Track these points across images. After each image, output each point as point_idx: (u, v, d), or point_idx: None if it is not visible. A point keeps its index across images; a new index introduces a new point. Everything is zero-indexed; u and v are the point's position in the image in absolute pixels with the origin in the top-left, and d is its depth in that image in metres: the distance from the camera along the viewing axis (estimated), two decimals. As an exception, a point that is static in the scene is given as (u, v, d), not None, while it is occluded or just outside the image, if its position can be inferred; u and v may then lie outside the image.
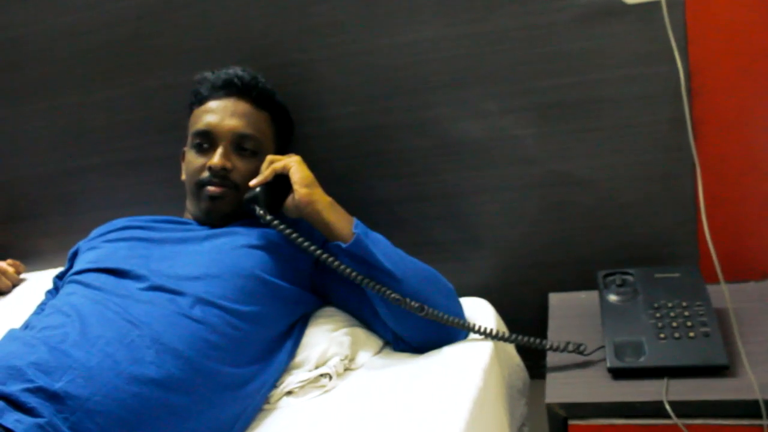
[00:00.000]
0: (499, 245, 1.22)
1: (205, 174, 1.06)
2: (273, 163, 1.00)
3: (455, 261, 1.24)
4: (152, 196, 1.37)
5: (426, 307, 0.92)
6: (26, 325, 0.91)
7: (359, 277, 0.92)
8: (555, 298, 1.16)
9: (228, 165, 1.05)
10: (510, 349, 1.09)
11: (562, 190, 1.16)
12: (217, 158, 1.04)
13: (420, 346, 0.98)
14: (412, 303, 0.92)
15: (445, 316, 0.94)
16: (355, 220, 0.97)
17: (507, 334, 0.97)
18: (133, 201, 1.37)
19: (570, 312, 1.11)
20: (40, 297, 1.13)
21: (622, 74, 1.08)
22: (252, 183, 0.99)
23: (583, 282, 1.16)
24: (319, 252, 0.92)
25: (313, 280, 1.04)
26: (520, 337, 0.96)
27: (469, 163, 1.18)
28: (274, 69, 1.19)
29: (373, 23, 1.15)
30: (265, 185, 0.99)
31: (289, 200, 0.99)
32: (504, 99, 1.14)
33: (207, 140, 1.07)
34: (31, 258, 1.46)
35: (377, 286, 0.92)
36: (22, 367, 0.76)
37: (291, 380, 0.93)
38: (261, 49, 1.22)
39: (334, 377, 0.94)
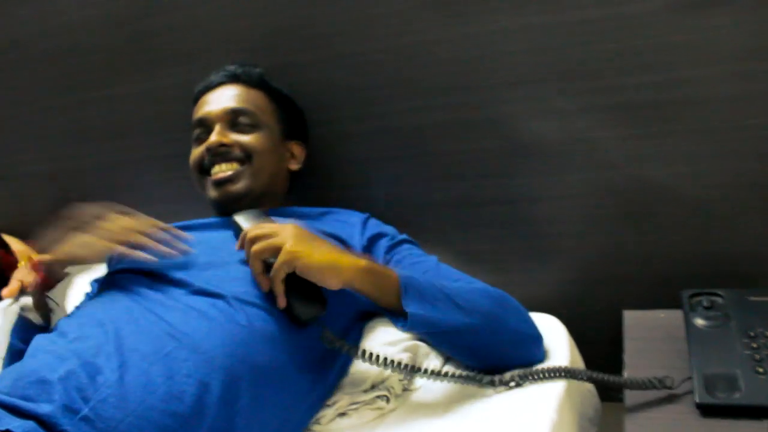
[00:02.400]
0: (569, 256, 1.13)
1: (206, 158, 1.03)
2: (268, 268, 0.81)
3: (519, 272, 1.15)
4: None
5: (500, 378, 0.83)
6: (61, 331, 0.85)
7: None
8: (630, 317, 1.06)
9: (225, 140, 1.02)
10: (581, 372, 1.00)
11: (643, 199, 1.06)
12: (213, 137, 1.01)
13: (489, 369, 0.89)
14: (491, 379, 0.83)
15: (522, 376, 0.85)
16: (401, 283, 0.80)
17: (582, 372, 0.87)
18: (182, 196, 1.32)
19: (648, 334, 1.01)
20: (81, 295, 1.09)
21: (721, 72, 0.97)
22: (280, 305, 0.81)
23: (662, 300, 1.05)
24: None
25: None
26: (596, 375, 0.86)
27: (540, 166, 1.09)
28: (331, 60, 1.13)
29: (439, 12, 1.07)
30: (291, 290, 0.80)
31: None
32: (582, 97, 1.04)
33: (203, 128, 1.06)
34: (78, 251, 1.43)
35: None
36: (54, 382, 0.71)
37: (345, 401, 0.86)
38: (315, 39, 1.16)
39: (392, 399, 0.86)
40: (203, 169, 1.04)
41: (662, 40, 0.99)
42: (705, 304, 0.94)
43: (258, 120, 1.05)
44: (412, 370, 0.80)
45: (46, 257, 0.94)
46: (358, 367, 0.91)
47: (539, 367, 0.88)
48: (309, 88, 1.18)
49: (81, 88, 1.37)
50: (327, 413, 0.86)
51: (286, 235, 0.79)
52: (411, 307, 0.77)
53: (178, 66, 1.27)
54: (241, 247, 0.83)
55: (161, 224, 0.91)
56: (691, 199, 1.04)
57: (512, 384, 0.85)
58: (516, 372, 0.86)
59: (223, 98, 1.06)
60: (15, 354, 0.91)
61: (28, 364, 0.76)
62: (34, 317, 0.91)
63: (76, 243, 0.86)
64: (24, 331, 0.92)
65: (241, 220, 0.88)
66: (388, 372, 0.86)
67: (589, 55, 1.02)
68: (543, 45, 1.03)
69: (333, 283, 0.78)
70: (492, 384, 0.84)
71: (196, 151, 1.06)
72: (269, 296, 0.83)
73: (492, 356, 0.86)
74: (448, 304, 0.81)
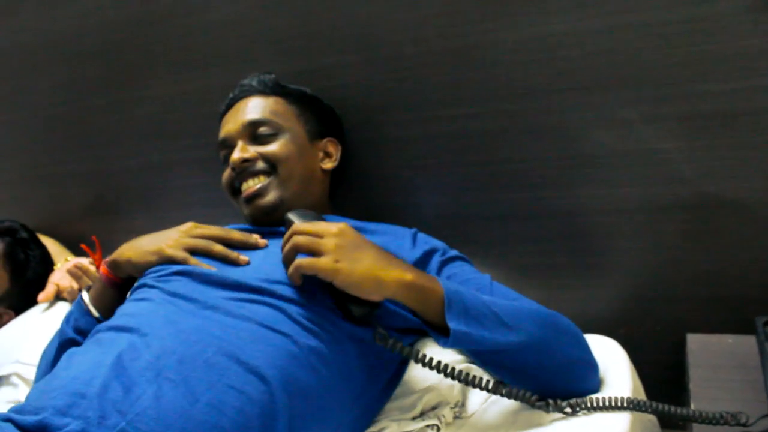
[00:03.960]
0: (629, 274, 1.07)
1: (233, 176, 1.01)
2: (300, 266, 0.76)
3: (575, 289, 1.09)
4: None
5: (555, 402, 0.78)
6: (96, 338, 0.82)
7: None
8: (695, 341, 1.00)
9: (247, 155, 0.99)
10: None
11: (712, 215, 0.99)
12: (234, 154, 0.99)
13: (543, 395, 0.83)
14: (560, 403, 0.78)
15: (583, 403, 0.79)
16: (446, 297, 0.74)
17: (647, 403, 0.80)
18: (218, 200, 1.29)
19: (716, 361, 0.95)
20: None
21: (802, 80, 0.89)
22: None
23: (729, 323, 0.99)
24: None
25: None
26: (662, 407, 0.80)
27: (600, 177, 1.03)
28: (381, 62, 1.08)
29: (497, 13, 1.00)
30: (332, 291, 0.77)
31: None
32: (647, 105, 0.97)
33: (227, 148, 1.04)
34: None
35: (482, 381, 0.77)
36: (89, 394, 0.67)
37: (392, 428, 0.81)
38: (363, 39, 1.10)
39: (443, 428, 0.81)
40: (234, 189, 1.03)
41: (735, 44, 0.91)
42: (782, 332, 0.87)
43: (278, 127, 1.02)
44: (466, 379, 0.75)
45: (104, 260, 0.95)
46: (406, 391, 0.86)
47: (600, 395, 0.81)
48: (355, 91, 1.13)
49: (118, 88, 1.34)
50: (373, 441, 0.81)
51: (329, 242, 0.75)
52: (454, 323, 0.72)
53: (218, 66, 1.23)
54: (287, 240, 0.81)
55: (233, 232, 0.92)
56: (766, 217, 0.96)
57: (567, 410, 0.80)
58: (574, 399, 0.80)
59: (239, 113, 1.04)
60: (63, 343, 0.91)
61: (61, 376, 0.72)
62: (92, 310, 0.92)
63: (139, 250, 0.90)
64: (79, 318, 0.92)
65: (294, 218, 0.85)
66: (441, 380, 0.81)
67: (657, 60, 0.95)
68: (606, 49, 0.97)
69: (373, 297, 0.75)
70: (546, 407, 0.78)
71: (226, 173, 1.04)
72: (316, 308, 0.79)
73: (540, 381, 0.81)
74: (494, 321, 0.76)
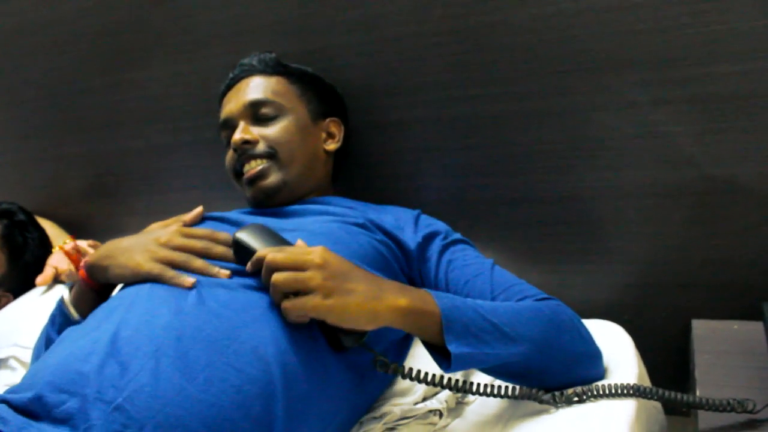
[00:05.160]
0: (634, 259, 1.05)
1: (235, 158, 1.00)
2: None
3: (580, 274, 1.08)
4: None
5: (562, 394, 0.77)
6: (93, 316, 0.79)
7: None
8: (700, 327, 0.99)
9: (248, 137, 0.98)
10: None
11: (721, 200, 0.98)
12: (236, 135, 0.98)
13: (548, 389, 0.82)
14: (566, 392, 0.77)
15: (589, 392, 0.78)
16: (443, 318, 0.71)
17: (653, 390, 0.79)
18: (219, 182, 1.27)
19: (721, 347, 0.94)
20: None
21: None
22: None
23: (735, 310, 0.98)
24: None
25: (406, 273, 0.90)
26: (668, 394, 0.79)
27: (608, 161, 1.01)
28: (386, 43, 1.06)
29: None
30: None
31: None
32: (657, 87, 0.96)
33: (229, 129, 1.03)
34: (113, 237, 1.38)
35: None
36: (85, 371, 0.65)
37: (393, 413, 0.80)
38: (371, 19, 1.08)
39: (445, 413, 0.80)
40: (237, 171, 1.01)
41: (746, 25, 0.90)
42: (789, 318, 0.86)
43: (280, 107, 1.01)
44: (471, 389, 0.73)
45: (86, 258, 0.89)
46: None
47: (605, 383, 0.81)
48: (358, 72, 1.12)
49: (117, 69, 1.32)
50: (375, 427, 0.80)
51: (315, 276, 0.69)
52: (454, 346, 0.69)
53: (218, 47, 1.21)
54: (253, 270, 0.75)
55: (218, 235, 0.83)
56: (775, 202, 0.95)
57: (575, 399, 0.79)
58: (579, 388, 0.79)
59: (240, 93, 1.02)
60: (50, 345, 0.87)
61: (57, 354, 0.71)
62: (72, 311, 0.86)
63: (116, 262, 0.82)
64: (62, 323, 0.88)
65: (247, 238, 0.77)
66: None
67: (666, 41, 0.93)
68: (614, 29, 0.95)
69: (368, 328, 0.71)
70: (553, 401, 0.77)
71: (229, 155, 1.03)
72: None
73: (545, 379, 0.80)
74: (495, 335, 0.73)
